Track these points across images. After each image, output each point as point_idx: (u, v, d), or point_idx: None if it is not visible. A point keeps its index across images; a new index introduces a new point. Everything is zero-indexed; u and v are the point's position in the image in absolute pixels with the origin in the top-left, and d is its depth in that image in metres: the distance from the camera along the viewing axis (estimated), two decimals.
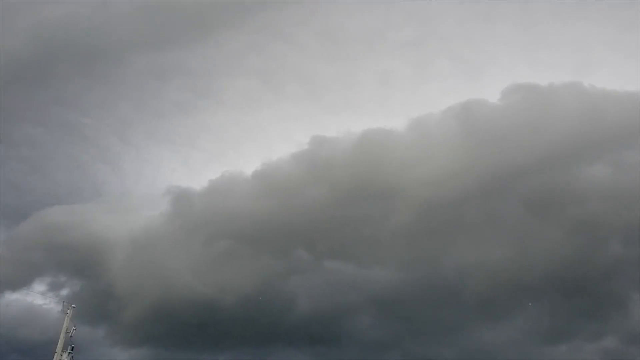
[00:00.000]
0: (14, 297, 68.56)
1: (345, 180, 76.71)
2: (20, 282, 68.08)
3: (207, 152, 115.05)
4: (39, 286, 69.66)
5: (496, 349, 64.91)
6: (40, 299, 71.59)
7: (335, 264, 75.24)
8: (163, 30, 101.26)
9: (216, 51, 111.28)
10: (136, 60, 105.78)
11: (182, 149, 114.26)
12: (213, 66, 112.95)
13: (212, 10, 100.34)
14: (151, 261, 73.20)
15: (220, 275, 71.26)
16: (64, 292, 68.72)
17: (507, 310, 68.41)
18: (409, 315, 71.60)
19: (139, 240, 75.79)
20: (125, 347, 67.18)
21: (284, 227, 75.44)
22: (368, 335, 70.97)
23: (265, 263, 73.93)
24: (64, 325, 33.97)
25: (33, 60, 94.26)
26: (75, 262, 71.55)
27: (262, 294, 70.61)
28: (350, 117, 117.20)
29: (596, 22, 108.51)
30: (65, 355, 33.80)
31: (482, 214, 73.44)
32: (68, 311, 34.44)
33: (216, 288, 69.22)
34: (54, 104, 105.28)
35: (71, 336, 34.21)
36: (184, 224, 77.94)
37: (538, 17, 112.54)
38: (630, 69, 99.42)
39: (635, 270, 61.42)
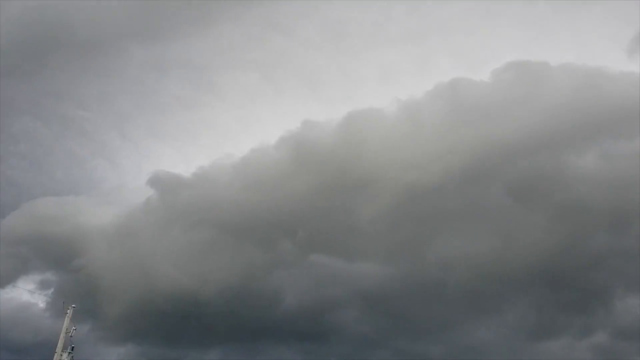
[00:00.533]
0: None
1: (330, 166, 75.14)
2: (6, 277, 66.64)
3: (207, 147, 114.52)
4: (25, 282, 68.53)
5: (485, 346, 64.75)
6: (26, 295, 70.40)
7: (320, 257, 73.84)
8: (163, 22, 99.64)
9: (216, 44, 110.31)
10: (136, 53, 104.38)
11: (182, 144, 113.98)
12: (213, 59, 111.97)
13: (213, 2, 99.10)
14: (134, 252, 71.70)
15: (203, 267, 69.57)
16: (51, 287, 67.64)
17: (494, 305, 67.98)
18: (396, 311, 71.00)
19: (123, 230, 74.48)
20: (109, 344, 65.93)
21: (268, 217, 74.53)
22: (356, 332, 70.52)
23: (251, 255, 72.56)
24: (64, 325, 33.62)
25: (31, 53, 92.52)
26: (61, 254, 70.25)
27: (248, 287, 69.78)
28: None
29: (599, 19, 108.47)
30: (65, 355, 33.55)
31: (466, 200, 71.82)
32: (68, 311, 34.10)
33: (199, 281, 67.75)
34: (52, 97, 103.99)
35: (71, 336, 33.97)
36: (168, 212, 76.31)
37: (540, 12, 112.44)
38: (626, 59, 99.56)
39: (624, 264, 61.18)
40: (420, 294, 70.22)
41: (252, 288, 70.03)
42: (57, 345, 33.28)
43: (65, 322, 33.65)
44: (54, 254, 70.68)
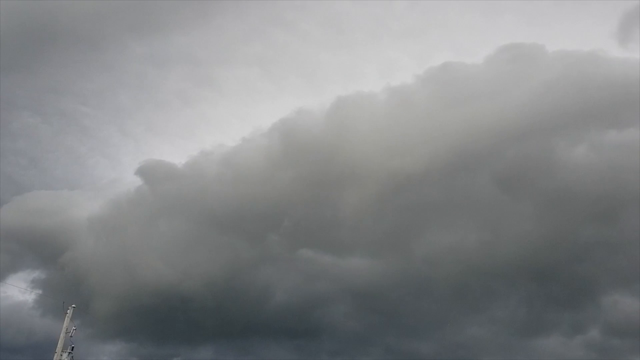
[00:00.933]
0: None
1: (318, 154, 73.49)
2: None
3: (207, 143, 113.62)
4: (14, 279, 67.00)
5: (476, 343, 63.75)
6: (16, 292, 68.97)
7: (308, 252, 71.79)
8: (162, 17, 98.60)
9: (216, 39, 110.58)
10: (135, 48, 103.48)
11: (181, 140, 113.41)
12: (213, 54, 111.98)
13: None
14: (121, 245, 70.04)
15: (190, 261, 67.84)
16: (40, 283, 66.23)
17: (483, 301, 66.79)
18: (385, 307, 69.66)
19: (111, 223, 72.74)
20: (99, 341, 63.57)
21: (257, 209, 73.06)
22: (346, 328, 69.42)
23: (239, 249, 70.68)
24: (64, 325, 32.99)
25: (30, 48, 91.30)
26: (51, 248, 68.80)
27: (236, 282, 68.24)
28: None
29: (601, 19, 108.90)
30: (65, 355, 32.97)
31: (452, 189, 70.04)
32: (68, 311, 33.45)
33: (186, 275, 66.04)
34: (51, 93, 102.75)
35: (71, 336, 33.36)
36: (156, 203, 74.20)
37: (541, 10, 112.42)
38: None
39: (614, 257, 60.53)
40: (409, 289, 69.36)
41: (240, 283, 68.83)
42: (57, 345, 32.66)
43: (65, 321, 33.04)
44: (44, 249, 69.48)
